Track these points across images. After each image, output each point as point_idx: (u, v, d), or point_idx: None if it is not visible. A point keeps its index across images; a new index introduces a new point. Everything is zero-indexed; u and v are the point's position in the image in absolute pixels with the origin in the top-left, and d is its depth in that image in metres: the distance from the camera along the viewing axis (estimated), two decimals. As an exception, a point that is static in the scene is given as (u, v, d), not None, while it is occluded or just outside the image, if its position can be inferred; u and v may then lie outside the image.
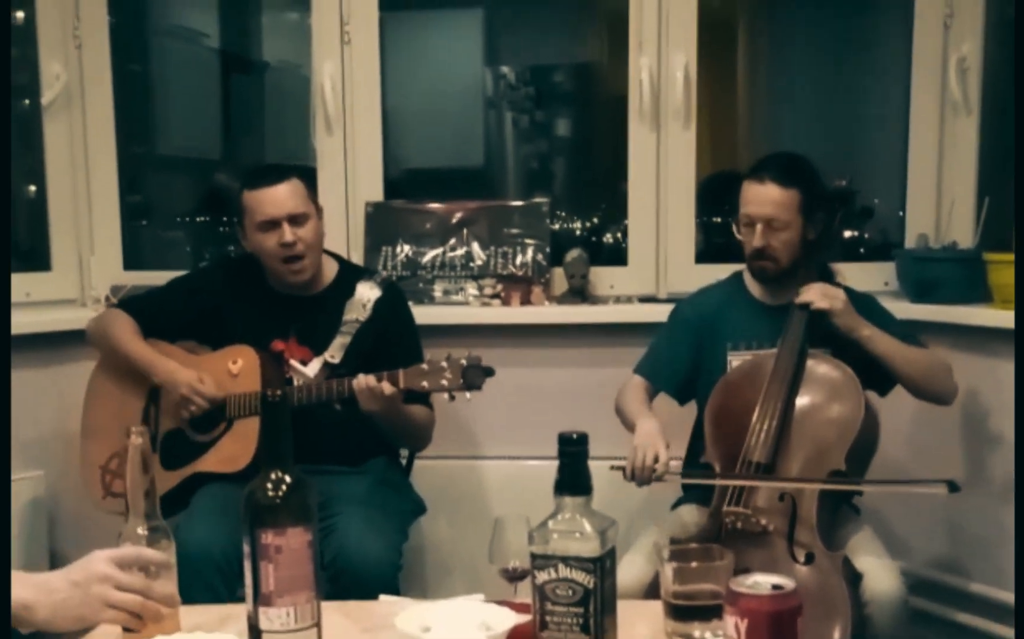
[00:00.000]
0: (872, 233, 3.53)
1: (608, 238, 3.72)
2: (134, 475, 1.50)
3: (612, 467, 2.42)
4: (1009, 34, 3.11)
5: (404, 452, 2.97)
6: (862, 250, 3.50)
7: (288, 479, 1.46)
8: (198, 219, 4.01)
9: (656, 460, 2.41)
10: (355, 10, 3.34)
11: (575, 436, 1.42)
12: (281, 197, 2.69)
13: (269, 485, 1.45)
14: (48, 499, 3.21)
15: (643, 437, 2.47)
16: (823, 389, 2.49)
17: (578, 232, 3.79)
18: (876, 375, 2.57)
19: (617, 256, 3.47)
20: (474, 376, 2.50)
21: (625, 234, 3.40)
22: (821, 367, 2.52)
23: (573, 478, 1.43)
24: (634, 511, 2.94)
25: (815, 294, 2.54)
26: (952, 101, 3.14)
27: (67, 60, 3.36)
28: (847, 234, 3.43)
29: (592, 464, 1.44)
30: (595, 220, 3.81)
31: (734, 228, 2.67)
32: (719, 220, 3.49)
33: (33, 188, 3.47)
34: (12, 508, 3.04)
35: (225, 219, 3.89)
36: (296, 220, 2.70)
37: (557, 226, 3.66)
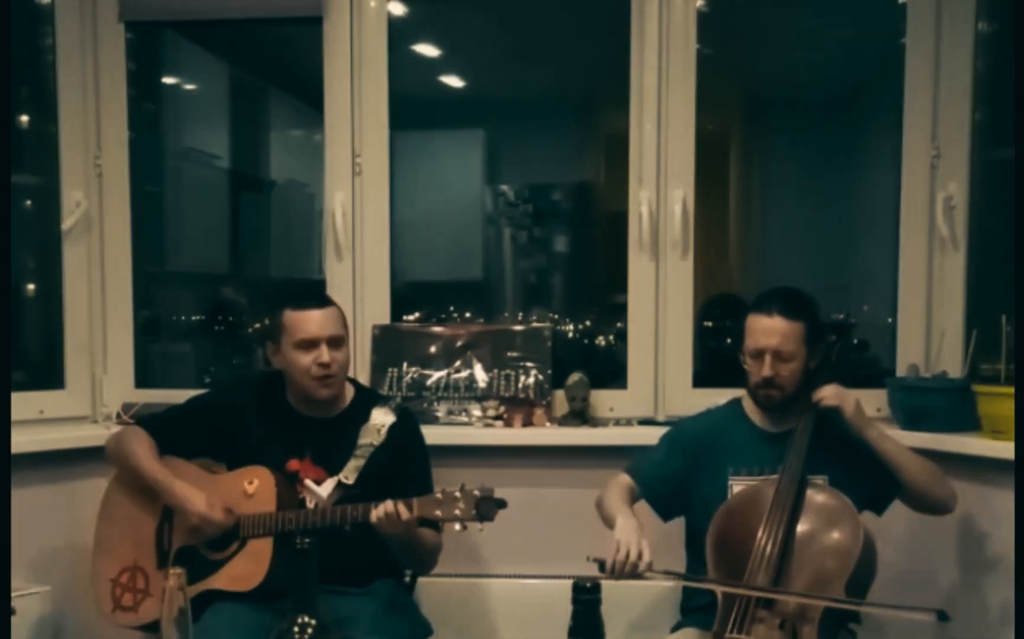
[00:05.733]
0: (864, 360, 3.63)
1: (600, 340, 3.81)
2: (170, 614, 1.56)
3: (590, 559, 2.50)
4: (993, 175, 3.24)
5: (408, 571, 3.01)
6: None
7: (314, 623, 1.53)
8: (205, 332, 4.10)
9: (640, 556, 2.47)
10: (367, 141, 3.47)
11: (589, 584, 1.49)
12: (324, 320, 2.83)
13: (296, 629, 1.52)
14: (54, 615, 3.21)
15: (625, 532, 2.52)
16: (822, 518, 2.55)
17: (571, 335, 3.88)
18: (873, 495, 2.66)
19: (610, 356, 3.56)
20: (487, 508, 2.55)
21: (619, 337, 3.48)
22: (820, 496, 2.58)
23: (587, 625, 1.49)
24: (633, 634, 3.00)
25: (830, 390, 2.65)
26: (940, 237, 3.26)
27: (88, 188, 3.47)
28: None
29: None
30: (588, 323, 3.90)
31: (741, 358, 2.76)
32: (714, 345, 3.60)
33: (32, 287, 3.57)
34: (17, 623, 3.05)
35: (220, 329, 3.98)
36: (333, 342, 2.82)
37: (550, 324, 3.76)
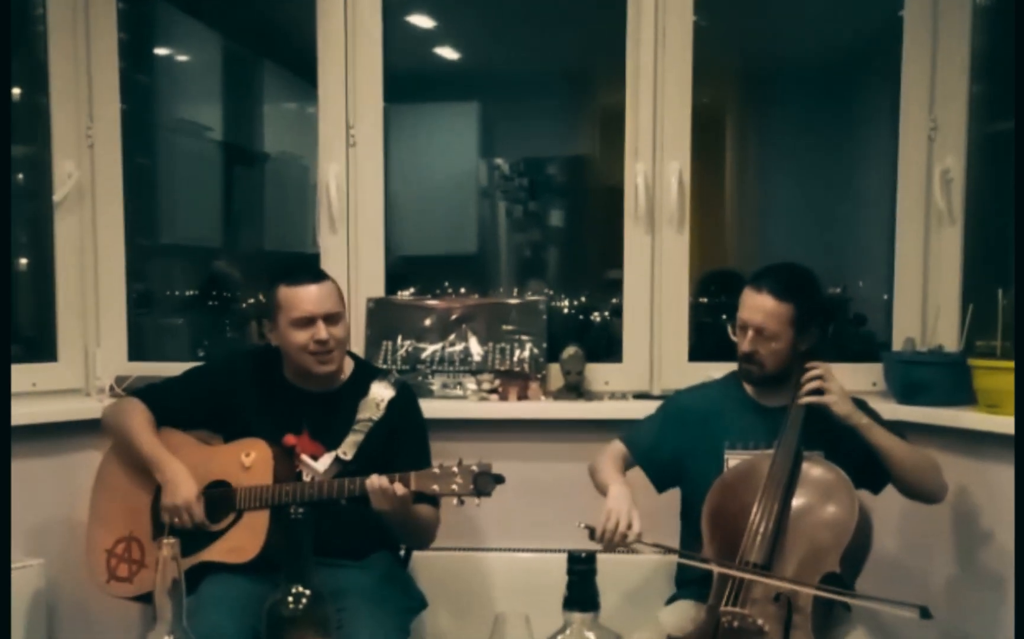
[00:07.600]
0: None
1: (596, 316, 3.80)
2: (163, 584, 1.55)
3: (581, 525, 2.50)
4: (991, 148, 3.23)
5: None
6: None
7: (308, 593, 1.52)
8: (198, 305, 4.08)
9: (629, 526, 2.48)
10: (361, 112, 3.45)
11: (584, 555, 1.48)
12: (320, 296, 2.79)
13: (290, 599, 1.52)
14: (48, 587, 3.21)
15: (616, 501, 2.54)
16: (818, 491, 2.54)
17: (566, 310, 3.87)
18: (869, 473, 2.64)
19: (604, 331, 3.57)
20: (484, 483, 2.55)
21: (613, 313, 3.48)
22: (816, 469, 2.57)
23: (582, 595, 1.48)
24: (628, 606, 3.00)
25: (816, 381, 2.63)
26: (936, 211, 3.25)
27: (79, 159, 3.45)
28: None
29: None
30: (583, 299, 3.90)
31: (730, 329, 2.76)
32: (709, 320, 3.60)
33: (24, 261, 3.55)
34: (11, 597, 3.04)
35: (213, 304, 3.97)
36: (331, 319, 2.79)
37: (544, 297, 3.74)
